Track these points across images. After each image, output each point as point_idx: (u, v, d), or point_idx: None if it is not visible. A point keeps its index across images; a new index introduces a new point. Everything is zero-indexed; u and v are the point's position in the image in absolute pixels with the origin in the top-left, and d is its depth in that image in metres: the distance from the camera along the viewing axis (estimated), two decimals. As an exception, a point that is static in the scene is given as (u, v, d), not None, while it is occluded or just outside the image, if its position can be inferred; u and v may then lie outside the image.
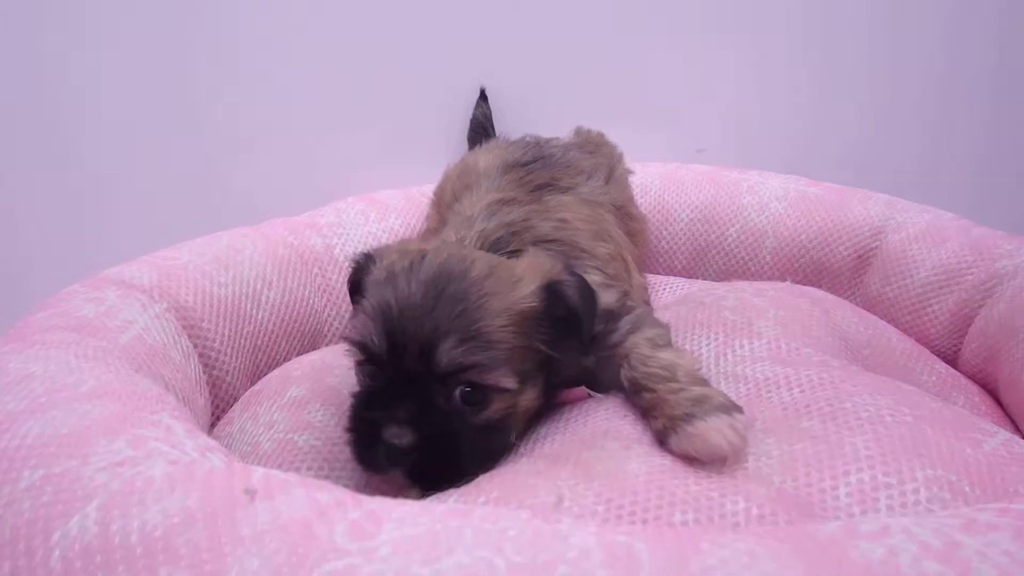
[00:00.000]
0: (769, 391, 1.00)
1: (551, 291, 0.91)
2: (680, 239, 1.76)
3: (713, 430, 0.80)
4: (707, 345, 1.14)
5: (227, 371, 1.25)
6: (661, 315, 1.24)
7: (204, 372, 1.21)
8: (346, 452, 0.92)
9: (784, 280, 1.61)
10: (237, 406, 1.21)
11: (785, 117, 2.12)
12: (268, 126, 1.89)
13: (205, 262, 1.27)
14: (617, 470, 0.81)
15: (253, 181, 1.89)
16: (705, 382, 0.90)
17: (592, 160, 1.42)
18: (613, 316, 1.00)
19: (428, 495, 0.82)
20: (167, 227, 1.45)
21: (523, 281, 0.91)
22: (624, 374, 0.95)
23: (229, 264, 1.30)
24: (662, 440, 0.86)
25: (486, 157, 1.38)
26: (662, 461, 0.83)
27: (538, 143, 1.45)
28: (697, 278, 1.76)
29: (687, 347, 1.15)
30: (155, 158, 1.82)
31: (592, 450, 0.87)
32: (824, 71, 2.10)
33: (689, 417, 0.83)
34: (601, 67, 2.00)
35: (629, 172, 1.54)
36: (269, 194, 1.85)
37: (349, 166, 1.93)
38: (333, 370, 1.19)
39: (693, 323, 1.19)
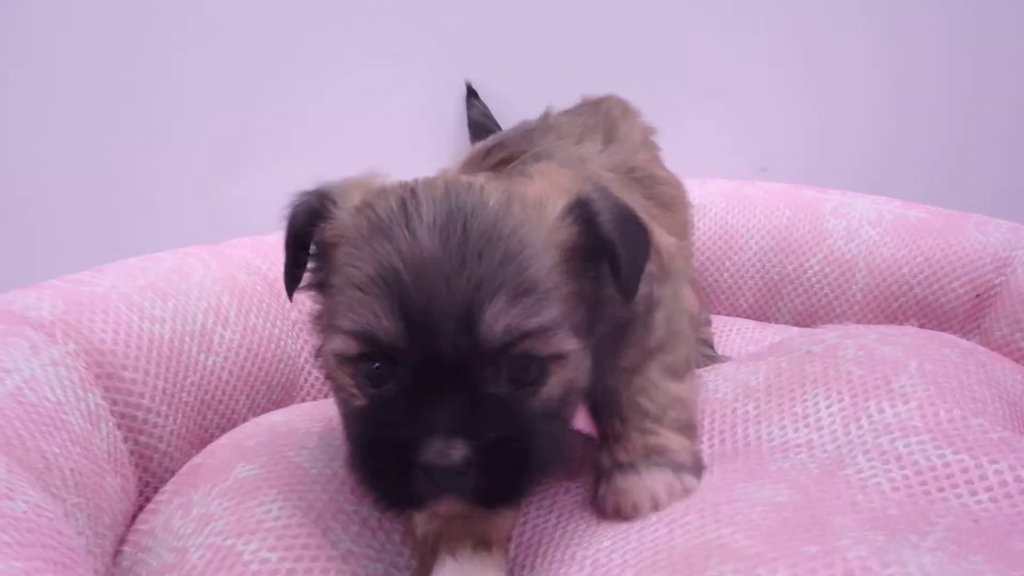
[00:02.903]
0: (942, 489, 0.69)
1: (583, 212, 0.69)
2: (748, 272, 1.45)
3: (641, 488, 0.73)
4: (827, 408, 0.83)
5: (160, 437, 0.93)
6: (751, 367, 0.92)
7: (125, 440, 0.89)
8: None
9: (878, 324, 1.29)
10: (168, 487, 0.89)
11: (854, 128, 1.82)
12: (234, 133, 1.65)
13: (135, 289, 0.96)
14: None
15: (213, 195, 1.64)
16: (689, 430, 0.80)
17: (583, 120, 1.09)
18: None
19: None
20: (98, 246, 1.13)
21: (548, 203, 0.69)
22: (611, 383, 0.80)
23: (170, 293, 0.99)
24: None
25: (473, 148, 1.09)
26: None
27: (521, 123, 1.12)
28: (769, 321, 1.44)
29: (796, 410, 0.83)
30: (91, 161, 1.58)
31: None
32: (900, 76, 1.83)
33: (628, 468, 0.75)
34: (614, 56, 1.77)
35: (649, 129, 1.19)
36: (233, 210, 1.59)
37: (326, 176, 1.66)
38: (300, 440, 0.88)
39: (802, 380, 0.89)
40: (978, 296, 1.29)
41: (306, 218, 0.72)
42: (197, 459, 0.92)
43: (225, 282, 1.06)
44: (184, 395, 0.96)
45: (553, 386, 0.67)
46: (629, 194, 0.93)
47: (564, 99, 1.22)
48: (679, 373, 0.82)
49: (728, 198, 1.49)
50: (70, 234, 1.56)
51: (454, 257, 0.63)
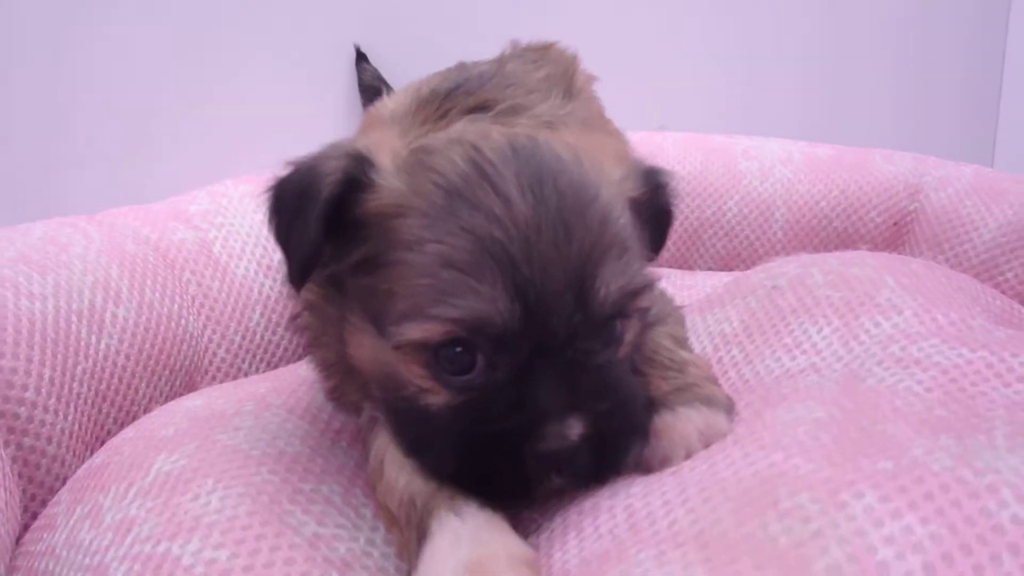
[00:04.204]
0: (975, 384, 0.65)
1: (653, 177, 0.70)
2: (666, 219, 1.39)
3: (675, 429, 0.65)
4: (819, 333, 0.78)
5: (48, 438, 0.79)
6: (717, 315, 0.87)
7: (6, 444, 0.74)
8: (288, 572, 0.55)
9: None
10: (63, 496, 0.74)
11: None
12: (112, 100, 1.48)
13: (4, 262, 0.78)
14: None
15: (86, 168, 1.46)
16: (714, 381, 0.72)
17: (540, 71, 1.06)
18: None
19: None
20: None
21: (606, 163, 0.66)
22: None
23: (47, 266, 0.83)
24: None
25: (395, 100, 0.99)
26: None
27: (461, 65, 1.06)
28: (692, 268, 1.40)
29: (786, 341, 0.78)
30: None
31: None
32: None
33: (659, 407, 0.67)
34: (506, 12, 1.74)
35: (592, 78, 1.16)
36: (109, 184, 1.38)
37: (217, 150, 1.57)
38: (230, 420, 0.75)
39: (780, 314, 0.84)
40: (895, 224, 1.31)
41: (343, 185, 0.61)
42: (98, 459, 0.77)
43: (112, 253, 0.91)
44: (76, 385, 0.81)
45: (627, 344, 0.65)
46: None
47: (454, 59, 1.16)
48: (684, 345, 0.77)
49: (638, 147, 1.42)
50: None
51: (556, 220, 0.58)
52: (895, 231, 1.31)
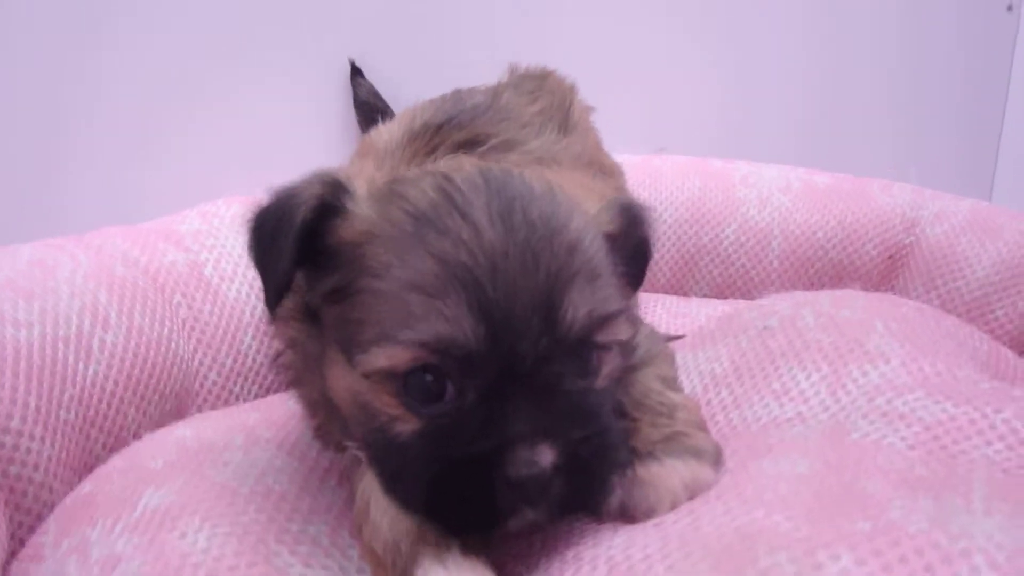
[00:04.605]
0: (957, 442, 0.65)
1: (629, 212, 0.70)
2: (663, 246, 1.40)
3: (661, 480, 0.63)
4: (807, 380, 0.78)
5: (35, 465, 0.78)
6: (709, 353, 0.86)
7: (-9, 472, 0.72)
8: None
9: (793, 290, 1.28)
10: (51, 526, 0.73)
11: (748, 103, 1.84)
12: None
13: (-10, 288, 0.78)
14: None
15: (76, 186, 1.42)
16: (703, 427, 0.71)
17: (536, 104, 1.06)
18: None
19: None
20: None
21: (582, 197, 0.68)
22: None
23: (35, 293, 0.82)
24: None
25: (389, 130, 0.99)
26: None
27: (456, 94, 1.06)
28: (688, 295, 1.39)
29: (774, 387, 0.78)
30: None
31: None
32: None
33: (645, 456, 0.65)
34: (503, 30, 1.72)
35: (590, 109, 1.17)
36: (99, 203, 1.37)
37: (210, 167, 1.53)
38: (219, 456, 0.74)
39: (770, 356, 0.83)
40: (891, 257, 1.30)
41: (317, 212, 0.62)
42: (86, 487, 0.76)
43: (100, 277, 0.90)
44: (62, 412, 0.80)
45: (605, 376, 0.63)
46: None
47: (453, 76, 1.15)
48: (674, 386, 0.76)
49: (636, 171, 1.44)
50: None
51: (524, 247, 0.58)
52: (890, 264, 1.31)
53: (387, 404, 0.59)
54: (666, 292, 1.40)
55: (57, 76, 1.44)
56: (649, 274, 1.39)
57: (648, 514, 0.63)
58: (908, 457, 0.62)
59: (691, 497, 0.63)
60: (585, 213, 0.64)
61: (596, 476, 0.60)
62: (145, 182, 1.47)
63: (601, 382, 0.63)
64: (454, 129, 0.94)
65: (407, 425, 0.59)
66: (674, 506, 0.63)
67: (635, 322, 0.68)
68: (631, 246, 0.70)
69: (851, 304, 0.89)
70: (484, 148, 0.92)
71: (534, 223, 0.59)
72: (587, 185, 0.74)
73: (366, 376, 0.59)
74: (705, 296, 1.40)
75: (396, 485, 0.61)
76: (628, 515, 0.63)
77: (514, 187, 0.61)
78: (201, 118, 1.53)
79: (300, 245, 0.61)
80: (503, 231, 0.58)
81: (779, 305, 0.94)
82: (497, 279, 0.56)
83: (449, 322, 0.56)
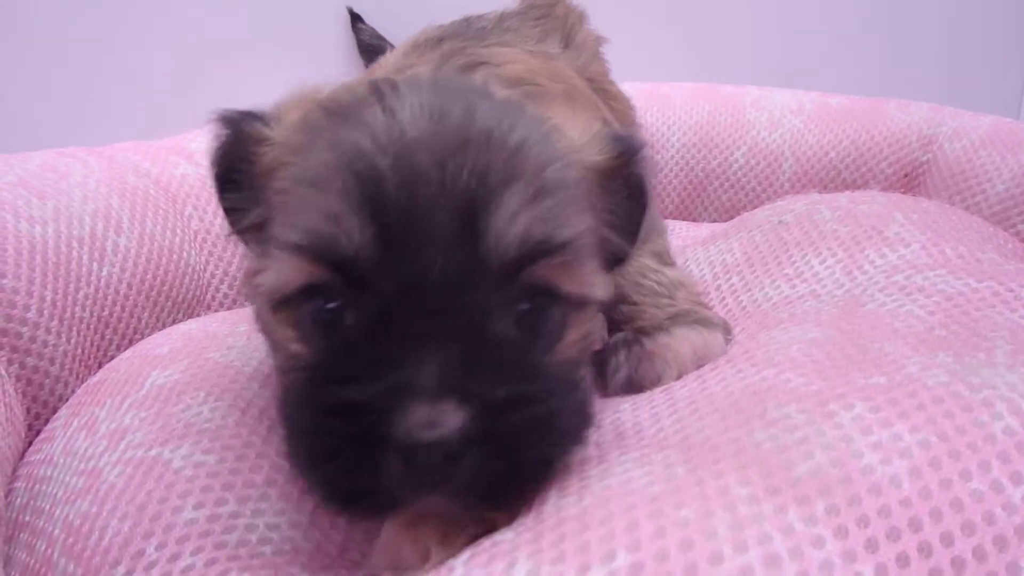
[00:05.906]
0: (979, 308, 0.63)
1: (622, 145, 0.57)
2: (671, 170, 1.39)
3: (672, 345, 0.63)
4: (821, 264, 0.78)
5: (51, 359, 0.80)
6: (720, 247, 0.86)
7: (10, 363, 0.75)
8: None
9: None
10: (63, 412, 0.76)
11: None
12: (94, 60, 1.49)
13: (3, 186, 0.79)
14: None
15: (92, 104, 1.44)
16: (704, 304, 0.70)
17: (540, 26, 1.02)
18: None
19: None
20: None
21: (568, 123, 0.56)
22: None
23: (47, 193, 0.84)
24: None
25: (394, 52, 0.97)
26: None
27: (466, 19, 1.03)
28: (696, 220, 1.39)
29: (787, 271, 0.78)
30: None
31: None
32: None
33: (654, 331, 0.64)
34: None
35: (601, 40, 1.13)
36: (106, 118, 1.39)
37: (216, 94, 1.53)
38: (223, 341, 0.76)
39: (784, 246, 0.83)
40: (907, 175, 1.28)
41: (236, 145, 0.55)
42: (96, 377, 0.79)
43: (112, 183, 0.92)
44: (77, 310, 0.82)
45: (571, 342, 0.51)
46: (595, 104, 0.89)
47: (449, 17, 1.13)
48: (668, 261, 0.74)
49: (644, 97, 1.43)
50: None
51: (452, 137, 0.46)
52: (906, 182, 1.29)
53: (285, 335, 0.50)
54: (675, 217, 1.39)
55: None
56: (657, 199, 1.40)
57: (655, 382, 0.62)
58: (927, 321, 0.60)
59: (699, 365, 0.63)
60: (561, 134, 0.53)
61: (527, 455, 0.45)
62: (151, 124, 1.50)
63: (564, 351, 0.51)
64: (452, 40, 0.90)
65: (300, 363, 0.49)
66: (681, 374, 0.63)
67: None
68: (625, 189, 0.58)
69: (870, 200, 0.89)
70: (480, 55, 0.85)
71: (475, 117, 0.48)
72: (579, 117, 0.60)
73: (270, 305, 0.51)
74: (715, 221, 1.39)
75: (289, 444, 0.48)
76: (636, 386, 0.63)
77: (464, 90, 0.52)
78: (202, 67, 1.55)
79: (224, 180, 0.57)
80: (427, 125, 0.47)
81: (795, 204, 0.94)
82: (403, 171, 0.45)
83: (328, 219, 0.45)
